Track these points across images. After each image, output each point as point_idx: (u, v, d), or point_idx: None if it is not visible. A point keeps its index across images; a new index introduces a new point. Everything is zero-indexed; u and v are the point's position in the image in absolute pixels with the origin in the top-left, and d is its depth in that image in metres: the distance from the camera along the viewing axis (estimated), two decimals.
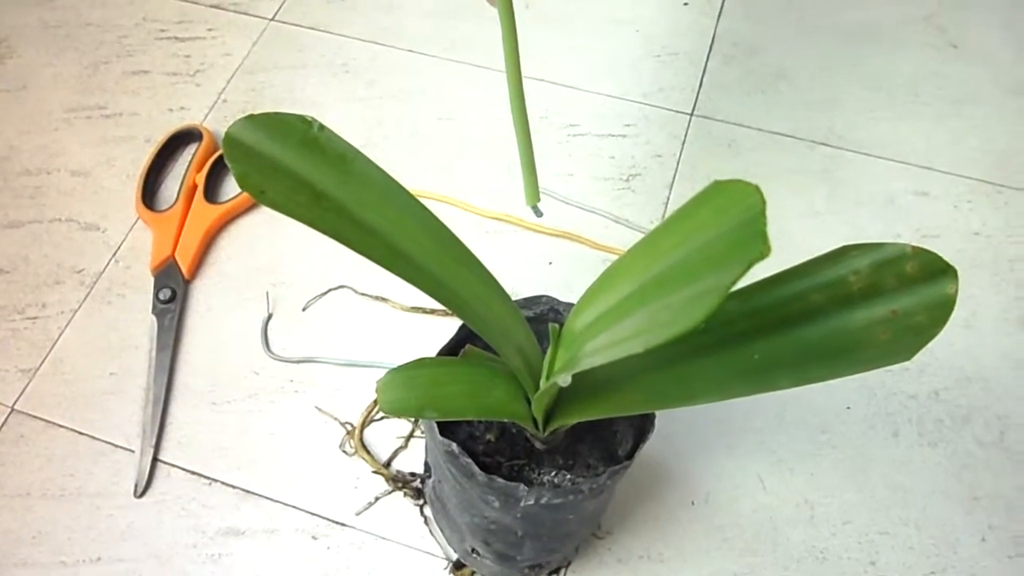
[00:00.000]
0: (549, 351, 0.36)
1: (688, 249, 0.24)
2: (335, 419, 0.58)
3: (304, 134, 0.34)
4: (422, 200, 0.36)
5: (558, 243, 0.65)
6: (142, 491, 0.55)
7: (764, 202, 0.22)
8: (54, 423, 0.58)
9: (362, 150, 0.35)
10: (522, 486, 0.40)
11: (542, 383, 0.36)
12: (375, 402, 0.58)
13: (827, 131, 0.70)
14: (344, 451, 0.57)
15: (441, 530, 0.52)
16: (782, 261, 0.63)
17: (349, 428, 0.57)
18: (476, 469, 0.40)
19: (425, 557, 0.53)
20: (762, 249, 0.20)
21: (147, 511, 0.55)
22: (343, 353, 0.60)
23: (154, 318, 0.62)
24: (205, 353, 0.61)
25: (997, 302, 0.62)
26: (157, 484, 0.56)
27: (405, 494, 0.55)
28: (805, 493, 0.55)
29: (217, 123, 0.72)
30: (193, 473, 0.56)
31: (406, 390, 0.36)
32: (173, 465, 0.56)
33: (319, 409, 0.58)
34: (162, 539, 0.54)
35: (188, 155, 0.70)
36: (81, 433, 0.58)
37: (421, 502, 0.54)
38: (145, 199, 0.67)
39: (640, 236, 0.65)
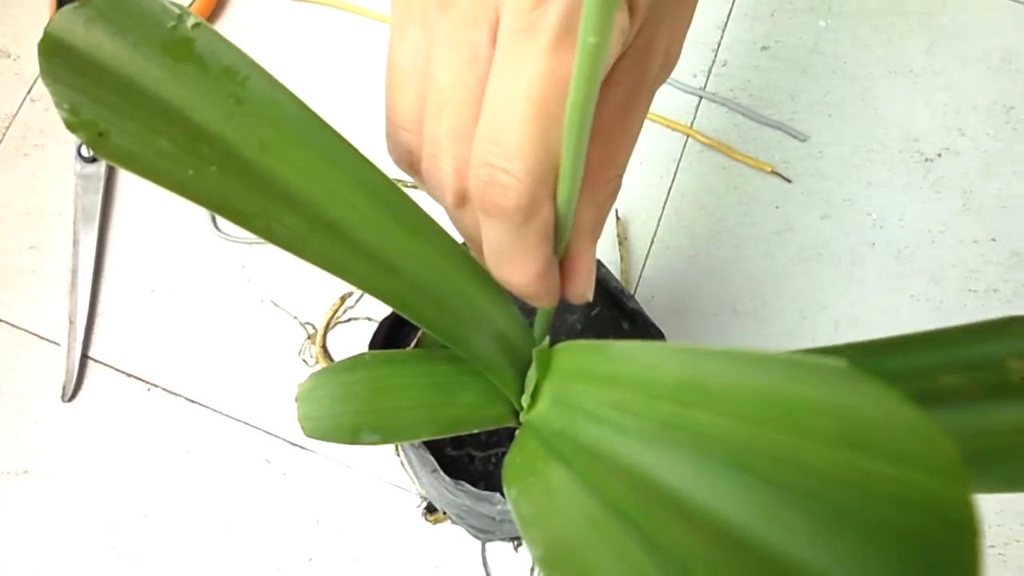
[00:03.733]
0: (530, 376, 0.26)
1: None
2: (294, 318, 0.48)
3: (171, 35, 0.22)
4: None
5: None
6: (71, 395, 0.47)
7: (979, 548, 0.10)
8: None
9: None
10: (497, 495, 0.31)
11: (523, 411, 0.26)
12: (342, 299, 0.49)
13: None
14: (304, 360, 0.48)
15: (413, 473, 0.44)
16: (858, 131, 0.51)
17: (310, 331, 0.48)
18: (438, 469, 0.31)
19: (396, 492, 0.45)
20: None
21: (78, 418, 0.47)
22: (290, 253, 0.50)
23: (77, 180, 0.50)
24: (139, 228, 0.50)
25: None
26: (88, 387, 0.48)
27: None
28: None
29: None
30: (129, 375, 0.48)
31: (336, 403, 0.27)
32: (106, 364, 0.48)
33: (275, 304, 0.49)
34: (96, 453, 0.47)
35: None
36: None
37: None
38: None
39: (685, 97, 0.52)
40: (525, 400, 0.26)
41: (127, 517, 0.46)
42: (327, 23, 0.54)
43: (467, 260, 0.26)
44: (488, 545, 0.44)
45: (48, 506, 0.46)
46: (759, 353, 0.13)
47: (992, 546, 0.44)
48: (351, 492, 0.46)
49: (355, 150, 0.24)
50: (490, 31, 0.22)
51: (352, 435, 0.27)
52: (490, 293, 0.27)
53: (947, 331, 0.19)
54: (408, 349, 0.32)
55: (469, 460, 0.34)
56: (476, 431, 0.35)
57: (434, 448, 0.32)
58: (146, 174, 0.20)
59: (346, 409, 0.26)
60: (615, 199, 0.25)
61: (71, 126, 0.19)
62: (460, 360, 0.29)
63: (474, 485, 0.31)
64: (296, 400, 0.26)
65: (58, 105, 0.20)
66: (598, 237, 0.25)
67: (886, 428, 0.10)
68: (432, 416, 0.28)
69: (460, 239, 0.27)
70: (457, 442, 0.34)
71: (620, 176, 0.25)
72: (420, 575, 0.44)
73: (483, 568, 0.44)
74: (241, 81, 0.23)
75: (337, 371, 0.27)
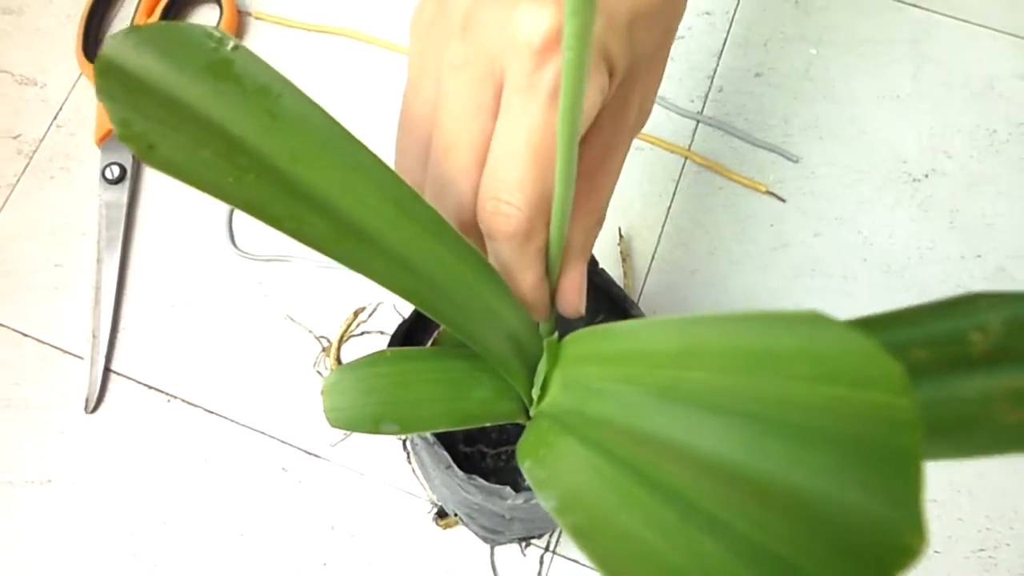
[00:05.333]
0: (540, 367, 0.28)
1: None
2: (309, 331, 0.50)
3: (213, 56, 0.24)
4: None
5: None
6: (94, 406, 0.49)
7: (919, 446, 0.12)
8: None
9: None
10: (508, 489, 0.33)
11: (533, 405, 0.28)
12: (355, 313, 0.51)
13: None
14: (319, 372, 0.50)
15: (424, 478, 0.46)
16: (849, 153, 0.53)
17: (325, 344, 0.50)
18: (452, 464, 0.33)
19: (408, 498, 0.47)
20: (912, 548, 0.11)
21: (101, 429, 0.49)
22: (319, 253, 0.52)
23: (101, 202, 0.53)
24: (160, 246, 0.53)
25: None
26: (110, 398, 0.50)
27: None
28: None
29: None
30: (150, 387, 0.50)
31: (359, 396, 0.28)
32: (127, 377, 0.50)
33: (291, 319, 0.51)
34: (118, 462, 0.48)
35: None
36: (25, 335, 0.51)
37: (404, 437, 0.48)
38: (87, 49, 0.56)
39: (683, 121, 0.54)
40: (535, 393, 0.28)
41: (147, 524, 0.47)
42: (342, 52, 0.56)
43: (481, 263, 0.28)
44: (497, 549, 0.46)
45: (71, 514, 0.47)
46: (745, 313, 0.15)
47: (983, 549, 0.45)
48: (364, 499, 0.47)
49: (379, 160, 0.26)
50: (495, 89, 0.26)
51: (374, 425, 0.28)
52: (502, 295, 0.29)
53: (917, 308, 0.21)
54: (426, 347, 0.34)
55: (481, 457, 0.36)
56: (488, 428, 0.37)
57: (447, 445, 0.33)
58: (191, 181, 0.22)
59: (368, 401, 0.28)
60: (601, 226, 0.30)
61: (123, 139, 0.21)
62: (474, 358, 0.31)
63: (486, 480, 0.33)
64: (322, 393, 0.28)
65: (112, 120, 0.22)
66: (587, 258, 0.30)
67: (848, 359, 0.12)
68: (447, 409, 0.30)
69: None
70: (469, 440, 0.36)
71: (604, 208, 0.29)
72: None
73: (492, 572, 0.46)
74: (275, 98, 0.25)
75: (360, 366, 0.29)
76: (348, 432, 0.48)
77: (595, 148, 0.28)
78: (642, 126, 0.30)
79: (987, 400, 0.21)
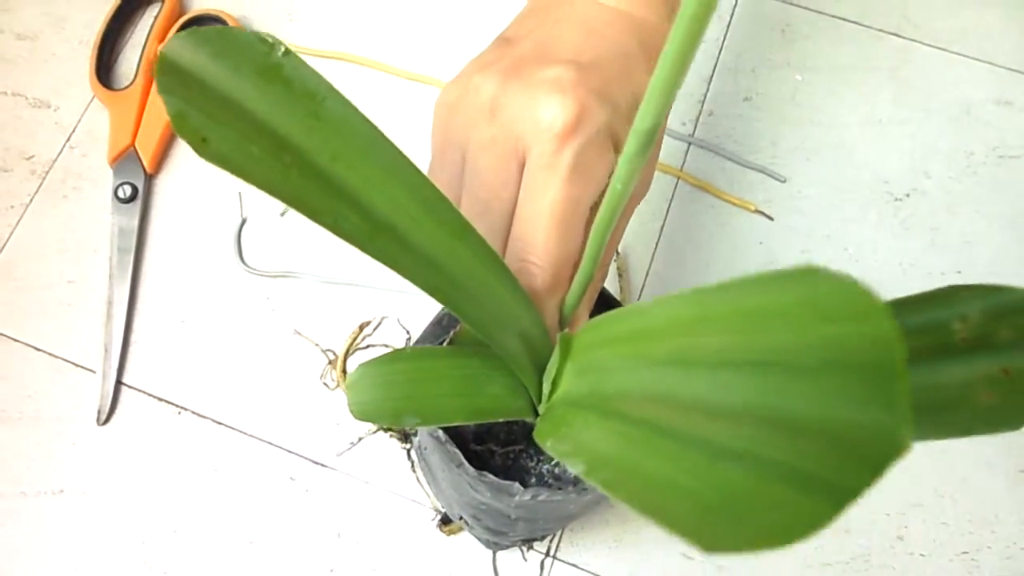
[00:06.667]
0: (552, 361, 0.29)
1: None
2: (316, 345, 0.52)
3: (264, 60, 0.26)
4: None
5: None
6: (106, 418, 0.51)
7: (903, 361, 0.14)
8: (7, 336, 0.53)
9: None
10: (516, 484, 0.34)
11: (543, 402, 0.30)
12: (360, 327, 0.52)
13: (900, 18, 0.60)
14: (325, 384, 0.51)
15: (429, 485, 0.47)
16: (833, 173, 0.56)
17: (331, 357, 0.52)
18: (464, 462, 0.34)
19: (412, 506, 0.48)
20: (903, 442, 0.13)
21: (112, 441, 0.50)
22: (326, 269, 0.54)
23: (114, 220, 0.54)
24: (171, 262, 0.54)
25: None
26: (121, 410, 0.51)
27: (391, 435, 0.50)
28: None
29: None
30: (160, 400, 0.51)
31: (380, 390, 0.30)
32: (138, 390, 0.51)
33: (298, 333, 0.52)
34: (129, 472, 0.49)
35: (149, 19, 0.60)
36: (38, 349, 0.52)
37: (408, 446, 0.49)
38: (100, 73, 0.58)
39: (676, 143, 0.57)
40: (546, 388, 0.30)
41: (158, 533, 0.48)
42: (350, 78, 0.59)
43: (500, 265, 0.30)
44: (499, 555, 0.47)
45: (83, 523, 0.49)
46: (745, 278, 0.17)
47: (966, 552, 0.47)
48: (370, 507, 0.49)
49: (411, 164, 0.28)
50: (518, 165, 0.30)
51: (395, 418, 0.30)
52: (518, 297, 0.31)
53: (902, 300, 0.23)
54: (441, 346, 0.36)
55: (490, 455, 0.37)
56: (497, 428, 0.38)
57: (458, 444, 0.35)
58: (239, 174, 0.23)
59: (389, 395, 0.30)
60: (605, 280, 0.35)
61: (179, 131, 0.23)
62: (487, 356, 0.33)
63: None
64: (347, 388, 0.30)
65: (169, 113, 0.23)
66: (591, 306, 0.34)
67: (842, 300, 0.14)
68: (463, 404, 0.31)
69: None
70: (479, 439, 0.37)
71: (608, 266, 0.34)
72: None
73: None
74: (320, 101, 0.27)
75: (381, 363, 0.30)
76: (354, 441, 0.50)
77: None
78: (644, 195, 0.34)
79: (967, 384, 0.23)
